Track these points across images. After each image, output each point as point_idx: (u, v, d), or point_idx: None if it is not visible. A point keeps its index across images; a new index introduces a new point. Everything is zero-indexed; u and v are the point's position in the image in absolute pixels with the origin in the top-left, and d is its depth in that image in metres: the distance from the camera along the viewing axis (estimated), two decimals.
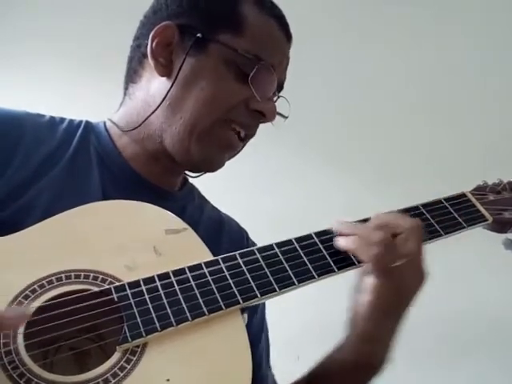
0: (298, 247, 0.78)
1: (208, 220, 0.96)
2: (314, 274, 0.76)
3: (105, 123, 0.93)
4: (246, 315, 0.73)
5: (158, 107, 0.86)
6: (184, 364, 0.66)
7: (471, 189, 0.93)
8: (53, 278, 0.68)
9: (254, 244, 1.00)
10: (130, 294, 0.68)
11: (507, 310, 1.97)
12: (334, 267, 0.76)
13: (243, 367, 0.67)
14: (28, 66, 2.41)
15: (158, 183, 0.91)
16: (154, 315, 0.67)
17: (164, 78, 0.86)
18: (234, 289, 0.72)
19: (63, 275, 0.68)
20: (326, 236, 0.80)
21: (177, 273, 0.71)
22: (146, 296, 0.68)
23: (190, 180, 1.01)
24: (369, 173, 2.21)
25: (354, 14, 2.31)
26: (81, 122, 0.92)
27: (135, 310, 0.67)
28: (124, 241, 0.74)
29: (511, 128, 2.11)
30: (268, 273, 0.74)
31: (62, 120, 0.90)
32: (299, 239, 0.79)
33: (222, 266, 0.74)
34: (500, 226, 0.90)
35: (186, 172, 0.98)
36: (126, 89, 0.94)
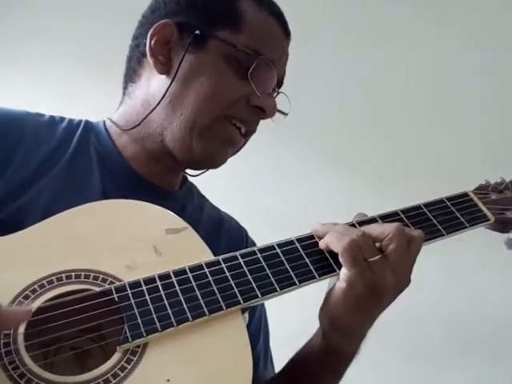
0: (299, 247, 0.77)
1: (208, 219, 0.96)
2: (315, 274, 0.75)
3: (104, 122, 0.93)
4: (246, 315, 0.73)
5: (157, 104, 0.86)
6: (184, 364, 0.65)
7: (473, 188, 0.92)
8: (53, 277, 0.68)
9: (253, 243, 1.00)
10: (130, 294, 0.68)
11: (509, 310, 1.97)
12: (335, 267, 0.76)
13: (244, 367, 0.67)
14: (28, 66, 2.41)
15: (158, 182, 0.91)
16: (154, 315, 0.67)
17: (163, 76, 0.86)
18: (235, 289, 0.71)
19: (63, 275, 0.68)
20: None
21: (177, 273, 0.71)
22: (147, 296, 0.68)
23: (190, 179, 1.01)
24: (369, 173, 2.21)
25: (355, 15, 2.32)
26: (80, 121, 0.92)
27: (136, 310, 0.67)
28: (124, 240, 0.74)
29: (511, 128, 2.11)
30: (269, 273, 0.74)
31: (62, 119, 0.90)
32: (300, 239, 0.79)
33: (223, 266, 0.73)
34: (502, 226, 0.89)
35: (187, 171, 0.98)
36: (125, 88, 0.94)
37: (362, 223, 0.81)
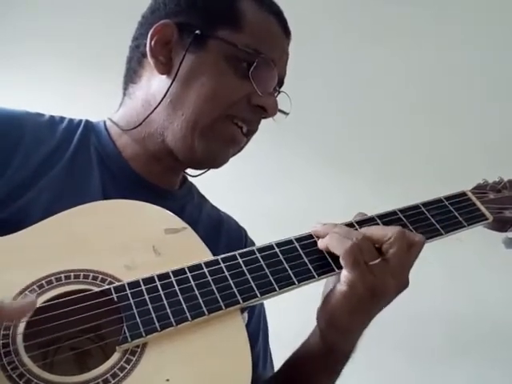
0: (297, 247, 0.78)
1: (207, 219, 0.96)
2: (314, 273, 0.75)
3: (105, 122, 0.93)
4: (245, 315, 0.73)
5: (158, 105, 0.86)
6: (184, 364, 0.65)
7: (471, 187, 0.92)
8: (52, 278, 0.68)
9: (252, 243, 1.00)
10: (129, 294, 0.68)
11: (507, 309, 1.97)
12: (334, 266, 0.76)
13: (243, 367, 0.67)
14: (28, 65, 2.41)
15: (158, 183, 0.91)
16: (153, 315, 0.67)
17: (164, 76, 0.86)
18: (234, 289, 0.71)
19: (63, 275, 0.68)
20: None
21: (177, 273, 0.71)
22: (146, 296, 0.68)
23: (190, 179, 1.01)
24: (369, 173, 2.21)
25: (354, 15, 2.32)
26: (80, 121, 0.92)
27: (135, 310, 0.67)
28: (123, 240, 0.74)
29: (511, 128, 2.11)
30: (268, 272, 0.74)
31: (62, 119, 0.90)
32: (299, 239, 0.79)
33: (222, 265, 0.73)
34: (500, 225, 0.90)
35: (187, 171, 0.98)
36: (125, 89, 0.94)
37: (360, 222, 0.81)
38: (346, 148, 2.26)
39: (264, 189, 2.23)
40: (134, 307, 0.67)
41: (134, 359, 0.64)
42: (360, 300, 0.74)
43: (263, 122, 0.92)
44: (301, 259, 0.76)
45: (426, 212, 0.85)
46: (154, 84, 0.88)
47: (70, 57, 2.38)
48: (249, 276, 0.73)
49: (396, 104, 2.24)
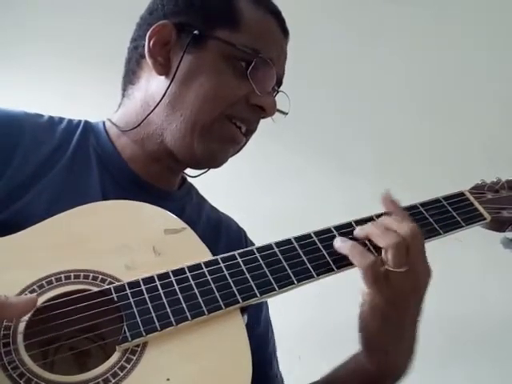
0: (297, 246, 0.78)
1: (206, 219, 0.96)
2: (313, 273, 0.75)
3: (104, 123, 0.93)
4: (245, 316, 0.73)
5: (157, 105, 0.86)
6: (184, 363, 0.65)
7: (470, 187, 0.93)
8: (52, 278, 0.68)
9: (252, 243, 1.00)
10: (129, 294, 0.68)
11: (507, 309, 1.97)
12: (333, 266, 0.76)
13: (243, 367, 0.67)
14: (28, 66, 2.41)
15: (157, 183, 0.91)
16: (153, 315, 0.67)
17: (163, 77, 0.87)
18: (234, 288, 0.72)
19: (63, 275, 0.68)
20: (325, 235, 0.80)
21: (176, 272, 0.71)
22: (146, 295, 0.68)
23: (189, 179, 1.01)
24: (368, 173, 2.21)
25: (354, 14, 2.32)
26: (80, 121, 0.92)
27: (135, 309, 0.67)
28: (123, 241, 0.74)
29: (511, 128, 2.11)
30: (267, 272, 0.74)
31: (61, 120, 0.90)
32: (298, 238, 0.79)
33: (222, 265, 0.74)
34: (498, 225, 0.90)
35: (186, 171, 0.98)
36: (124, 90, 0.94)
37: (359, 222, 0.81)
38: (346, 148, 2.26)
39: (263, 189, 2.23)
40: (133, 306, 0.67)
41: (135, 358, 0.64)
42: (385, 313, 0.75)
43: (262, 121, 0.92)
44: (300, 259, 0.77)
45: (424, 212, 0.85)
46: (153, 85, 0.88)
47: (70, 57, 2.38)
48: (248, 275, 0.73)
49: (396, 104, 2.24)
